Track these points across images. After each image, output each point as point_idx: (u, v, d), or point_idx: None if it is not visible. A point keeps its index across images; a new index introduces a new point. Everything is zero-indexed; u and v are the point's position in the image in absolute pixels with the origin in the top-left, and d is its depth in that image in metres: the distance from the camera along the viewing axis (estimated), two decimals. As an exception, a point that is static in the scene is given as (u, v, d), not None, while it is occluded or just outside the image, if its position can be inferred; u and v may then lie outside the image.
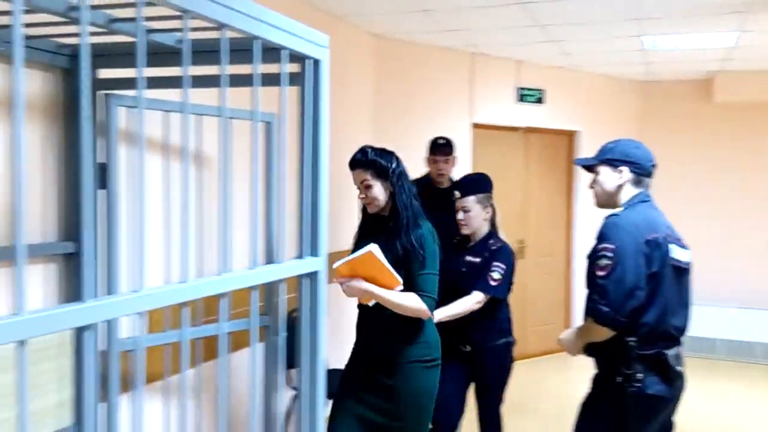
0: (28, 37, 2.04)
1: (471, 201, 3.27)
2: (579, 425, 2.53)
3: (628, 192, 2.49)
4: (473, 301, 3.16)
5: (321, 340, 1.83)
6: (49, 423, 2.20)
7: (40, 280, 2.19)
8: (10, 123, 2.09)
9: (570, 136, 6.54)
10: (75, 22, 1.76)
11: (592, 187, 2.58)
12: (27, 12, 1.79)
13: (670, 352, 2.37)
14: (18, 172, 0.97)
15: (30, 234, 2.19)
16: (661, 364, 2.35)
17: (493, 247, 3.24)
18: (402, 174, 2.64)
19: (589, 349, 2.48)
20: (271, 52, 1.63)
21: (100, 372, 2.33)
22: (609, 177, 2.51)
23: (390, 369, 2.58)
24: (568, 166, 6.53)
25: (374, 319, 2.64)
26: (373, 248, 2.37)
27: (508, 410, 3.31)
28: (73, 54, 2.18)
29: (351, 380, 2.70)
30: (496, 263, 3.18)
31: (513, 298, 3.41)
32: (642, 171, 2.49)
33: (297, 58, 1.69)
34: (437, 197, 3.89)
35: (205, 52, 1.80)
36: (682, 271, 2.46)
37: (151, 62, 2.01)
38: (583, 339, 2.48)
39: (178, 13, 1.66)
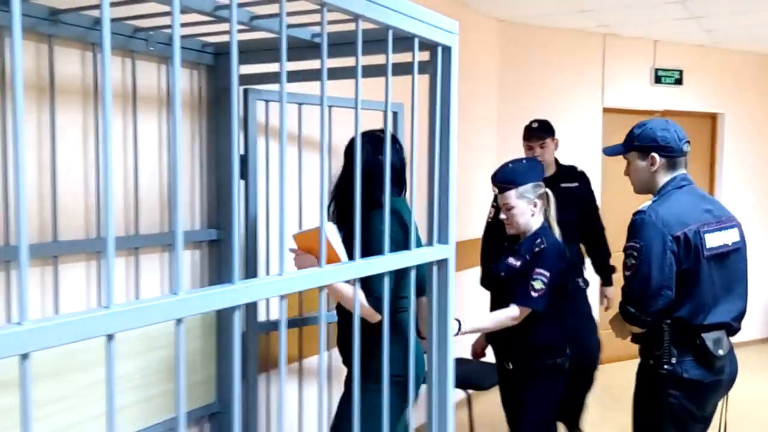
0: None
1: (511, 196, 2.66)
2: (634, 419, 2.50)
3: (663, 177, 2.41)
4: (508, 316, 2.60)
5: (450, 327, 1.83)
6: (194, 399, 2.36)
7: (187, 265, 2.35)
8: (167, 120, 2.26)
9: (712, 118, 6.12)
10: (220, 21, 1.87)
11: (627, 174, 2.56)
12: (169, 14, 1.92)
13: (709, 336, 2.27)
14: (174, 165, 1.05)
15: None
16: (698, 348, 2.27)
17: (536, 249, 2.63)
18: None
19: (634, 336, 2.46)
20: (401, 42, 1.64)
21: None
22: (640, 165, 2.45)
23: None
24: (710, 151, 6.12)
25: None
26: (328, 226, 2.16)
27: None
28: (216, 52, 2.31)
29: None
30: (538, 270, 2.58)
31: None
32: (674, 153, 2.39)
33: (427, 45, 1.69)
34: None
35: (337, 45, 1.85)
36: (726, 255, 2.34)
37: (288, 57, 2.10)
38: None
39: (314, 7, 1.73)
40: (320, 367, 1.42)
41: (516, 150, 3.83)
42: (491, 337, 2.76)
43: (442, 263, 1.81)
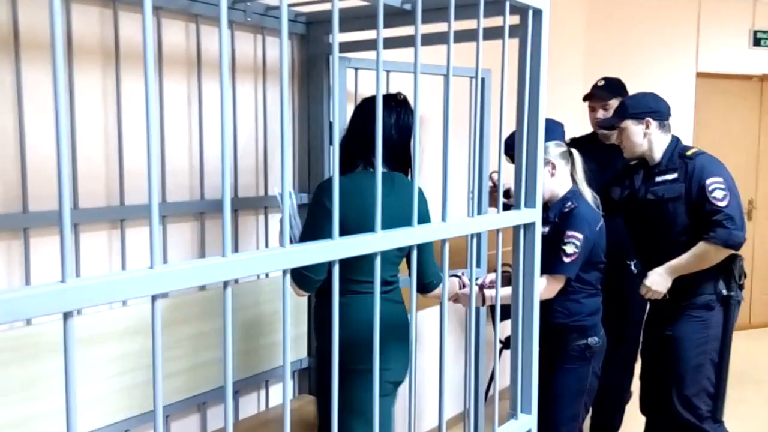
0: (269, 8, 2.28)
1: None
2: (691, 338, 2.63)
3: (659, 138, 2.71)
4: (542, 286, 2.29)
5: (536, 292, 1.86)
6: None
7: (277, 225, 2.47)
8: (263, 87, 2.37)
9: (816, 82, 5.76)
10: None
11: (619, 141, 2.79)
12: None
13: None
14: (283, 134, 1.12)
15: (274, 186, 2.48)
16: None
17: (566, 210, 2.41)
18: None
19: (690, 275, 2.61)
20: (491, 6, 1.65)
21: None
22: (635, 130, 2.72)
23: None
24: (811, 117, 5.78)
25: None
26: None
27: (730, 382, 2.68)
28: (308, 21, 2.39)
29: None
30: (569, 232, 2.35)
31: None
32: (663, 117, 2.72)
33: (517, 9, 1.70)
34: (604, 155, 3.14)
35: (426, 11, 1.88)
36: None
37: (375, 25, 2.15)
38: (696, 267, 2.59)
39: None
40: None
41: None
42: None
43: (529, 227, 1.83)
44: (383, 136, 1.67)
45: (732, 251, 2.59)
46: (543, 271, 2.26)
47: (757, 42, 5.40)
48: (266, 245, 2.43)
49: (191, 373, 2.18)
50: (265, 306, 2.38)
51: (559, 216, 2.41)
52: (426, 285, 2.11)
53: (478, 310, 2.97)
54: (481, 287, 2.39)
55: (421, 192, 2.02)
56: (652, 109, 2.72)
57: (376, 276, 1.31)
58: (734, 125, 5.56)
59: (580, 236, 2.34)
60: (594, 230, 2.39)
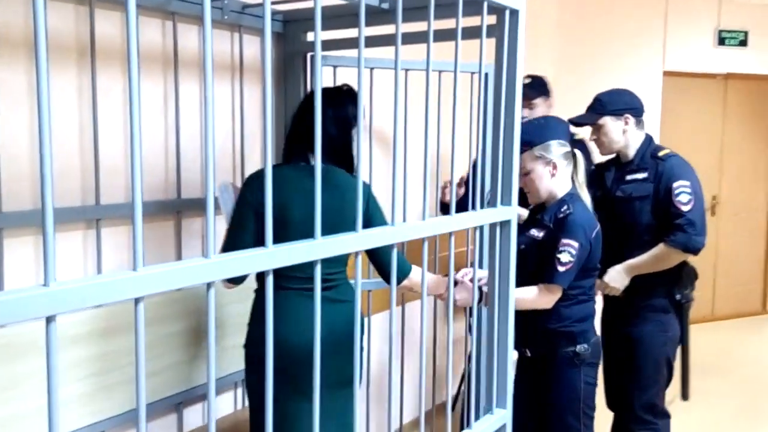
0: (246, 6, 2.27)
1: (525, 159, 2.33)
2: (648, 342, 2.68)
3: (635, 135, 2.73)
4: (526, 298, 2.24)
5: (512, 288, 1.89)
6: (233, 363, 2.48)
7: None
8: (239, 85, 2.35)
9: (778, 81, 5.92)
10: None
11: (594, 138, 2.78)
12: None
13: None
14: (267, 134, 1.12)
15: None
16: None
17: (561, 215, 2.29)
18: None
19: (643, 278, 2.65)
20: (468, 6, 1.67)
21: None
22: (614, 126, 2.73)
23: None
24: (775, 115, 5.95)
25: None
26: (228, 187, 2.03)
27: (696, 372, 2.83)
28: (285, 19, 2.38)
29: None
30: (564, 240, 2.24)
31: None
32: (640, 113, 2.74)
33: (494, 9, 1.72)
34: None
35: (405, 10, 1.89)
36: None
37: (356, 23, 2.15)
38: (653, 268, 2.62)
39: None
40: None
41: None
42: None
43: (505, 224, 1.86)
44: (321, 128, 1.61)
45: (690, 255, 2.61)
46: (538, 280, 2.26)
47: (721, 41, 5.52)
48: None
49: (164, 374, 2.17)
50: (230, 307, 2.35)
51: (554, 221, 2.30)
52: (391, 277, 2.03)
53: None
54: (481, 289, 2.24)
55: (367, 188, 1.94)
56: (630, 105, 2.74)
57: (316, 282, 1.24)
58: (699, 123, 5.68)
59: (576, 244, 2.24)
60: (590, 237, 2.28)
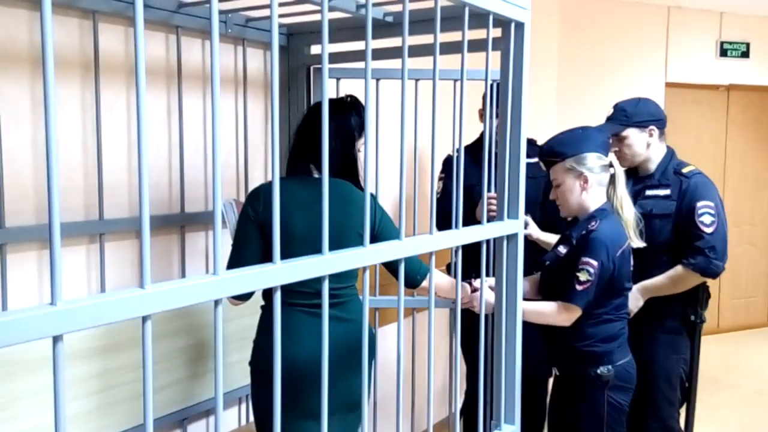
0: (249, 20, 2.26)
1: (557, 170, 2.27)
2: (661, 364, 2.62)
3: (657, 148, 2.63)
4: (543, 311, 2.20)
5: (519, 302, 1.87)
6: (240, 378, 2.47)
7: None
8: (243, 99, 2.35)
9: (780, 92, 5.93)
10: (296, 2, 1.93)
11: (615, 150, 2.60)
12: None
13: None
14: (273, 150, 1.11)
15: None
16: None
17: (584, 232, 2.21)
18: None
19: (657, 298, 2.58)
20: (474, 18, 1.66)
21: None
22: (639, 138, 2.61)
23: None
24: (777, 126, 5.95)
25: None
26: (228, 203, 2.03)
27: (702, 386, 2.77)
28: (288, 33, 2.38)
29: None
30: (584, 259, 2.15)
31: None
32: (663, 125, 2.65)
33: (500, 22, 1.71)
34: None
35: (412, 23, 1.89)
36: None
37: (359, 36, 2.15)
38: (670, 291, 2.56)
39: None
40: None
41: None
42: (544, 336, 2.39)
43: (512, 237, 1.84)
44: (322, 139, 1.60)
45: (708, 279, 2.54)
46: (557, 297, 2.20)
47: (723, 53, 5.53)
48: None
49: (169, 390, 2.14)
50: (232, 323, 2.33)
51: (579, 238, 2.21)
52: (411, 280, 1.99)
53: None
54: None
55: (373, 201, 1.91)
56: (655, 116, 2.62)
57: (324, 298, 1.22)
58: (702, 133, 5.68)
59: (595, 263, 2.14)
60: (613, 255, 2.16)
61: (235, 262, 1.80)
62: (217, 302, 1.02)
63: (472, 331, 2.00)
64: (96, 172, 1.92)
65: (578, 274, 2.14)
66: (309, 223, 1.78)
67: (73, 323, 0.81)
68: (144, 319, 0.91)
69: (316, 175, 1.87)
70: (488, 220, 1.73)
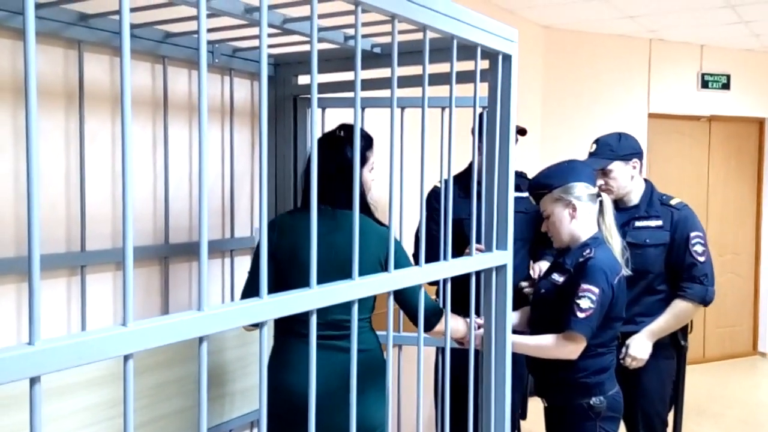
0: (237, 50, 2.26)
1: (546, 202, 2.28)
2: (652, 388, 2.63)
3: (639, 181, 2.70)
4: (551, 342, 2.16)
5: (509, 335, 1.85)
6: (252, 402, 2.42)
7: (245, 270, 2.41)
8: (229, 128, 2.33)
9: (760, 123, 6.01)
10: (285, 33, 1.93)
11: (602, 185, 2.63)
12: (237, 27, 1.99)
13: None
14: (261, 173, 1.09)
15: (240, 228, 2.42)
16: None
17: (581, 259, 2.19)
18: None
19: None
20: (462, 51, 1.67)
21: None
22: (624, 171, 2.67)
23: None
24: (758, 157, 6.02)
25: None
26: None
27: (688, 415, 2.84)
28: (276, 63, 2.38)
29: None
30: (584, 286, 2.12)
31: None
32: (642, 158, 2.74)
33: (487, 54, 1.72)
34: None
35: (401, 54, 1.89)
36: None
37: (345, 66, 2.15)
38: (675, 327, 2.61)
39: (372, 19, 1.77)
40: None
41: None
42: (530, 366, 2.38)
43: (501, 269, 1.83)
44: (323, 173, 1.63)
45: (703, 307, 2.60)
46: (553, 328, 2.16)
47: (705, 84, 5.62)
48: (232, 290, 2.37)
49: (156, 424, 2.08)
50: (228, 353, 2.30)
51: (575, 265, 2.19)
52: (426, 323, 1.91)
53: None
54: None
55: (376, 229, 1.93)
56: (636, 150, 2.69)
57: (311, 331, 1.21)
58: (684, 163, 5.74)
59: (596, 290, 2.11)
60: (612, 282, 2.14)
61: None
62: (201, 339, 0.99)
63: (460, 368, 1.98)
64: (78, 203, 1.89)
65: (578, 301, 2.10)
66: (327, 255, 1.77)
67: (53, 364, 0.79)
68: (126, 357, 0.88)
69: (327, 207, 1.91)
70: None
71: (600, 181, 2.63)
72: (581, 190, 2.25)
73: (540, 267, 2.77)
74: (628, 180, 2.67)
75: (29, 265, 0.77)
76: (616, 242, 2.27)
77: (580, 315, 2.09)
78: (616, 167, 2.64)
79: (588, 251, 2.18)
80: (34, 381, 0.78)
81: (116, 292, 2.01)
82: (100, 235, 1.96)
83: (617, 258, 2.23)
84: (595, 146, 2.73)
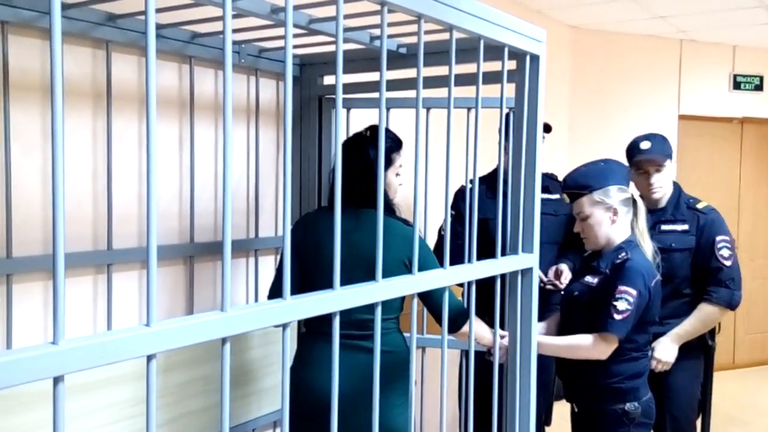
0: (262, 50, 2.26)
1: (584, 204, 2.22)
2: (679, 387, 2.60)
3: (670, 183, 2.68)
4: (587, 343, 2.13)
5: (534, 336, 1.83)
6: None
7: (269, 270, 2.42)
8: (255, 128, 2.34)
9: (794, 125, 5.89)
10: (311, 33, 1.92)
11: (651, 185, 2.62)
12: (263, 27, 1.99)
13: None
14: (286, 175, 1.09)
15: (264, 228, 2.43)
16: None
17: (618, 261, 2.16)
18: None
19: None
20: (489, 51, 1.65)
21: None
22: (672, 170, 2.68)
23: None
24: (791, 159, 5.90)
25: None
26: None
27: (717, 423, 2.75)
28: (301, 63, 2.38)
29: None
30: (621, 287, 2.09)
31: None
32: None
33: (515, 54, 1.70)
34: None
35: (426, 54, 1.87)
36: None
37: (371, 67, 2.15)
38: (701, 331, 2.60)
39: (401, 19, 1.76)
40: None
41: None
42: (560, 370, 2.35)
43: (527, 272, 1.81)
44: (347, 173, 1.58)
45: (730, 311, 2.59)
46: (591, 330, 2.13)
47: (737, 85, 5.51)
48: (256, 290, 2.37)
49: (179, 422, 2.09)
50: (253, 351, 2.30)
51: (611, 267, 2.16)
52: (451, 324, 1.86)
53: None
54: None
55: (402, 229, 1.90)
56: (671, 151, 2.68)
57: (334, 338, 1.21)
58: (716, 166, 5.63)
59: (634, 292, 2.08)
60: (649, 285, 2.13)
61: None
62: (224, 340, 0.99)
63: (483, 372, 1.96)
64: (105, 202, 1.91)
65: (615, 303, 2.08)
66: (349, 255, 1.76)
67: (76, 363, 0.79)
68: (149, 357, 0.88)
69: (352, 207, 1.89)
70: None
71: (653, 178, 2.59)
72: (618, 194, 2.22)
73: (559, 269, 2.72)
74: (671, 180, 2.67)
75: (54, 265, 0.78)
76: (647, 246, 2.25)
77: (617, 317, 2.07)
78: (669, 165, 2.63)
79: (624, 254, 2.16)
80: (57, 380, 0.78)
81: (142, 290, 2.02)
82: (127, 234, 1.97)
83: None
84: (649, 143, 2.64)
